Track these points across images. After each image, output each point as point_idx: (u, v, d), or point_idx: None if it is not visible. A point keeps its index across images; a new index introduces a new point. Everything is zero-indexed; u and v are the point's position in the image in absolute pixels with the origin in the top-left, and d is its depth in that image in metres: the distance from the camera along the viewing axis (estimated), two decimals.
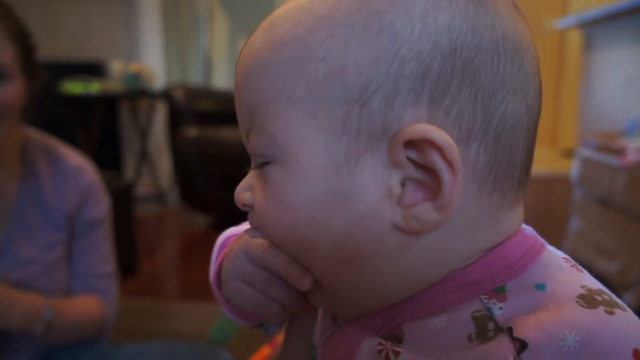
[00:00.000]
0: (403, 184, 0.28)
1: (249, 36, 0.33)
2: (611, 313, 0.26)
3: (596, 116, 2.89)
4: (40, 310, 0.83)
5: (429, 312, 0.29)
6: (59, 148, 0.96)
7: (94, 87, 3.08)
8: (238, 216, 0.38)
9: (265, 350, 0.42)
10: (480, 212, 0.29)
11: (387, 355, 0.29)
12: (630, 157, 1.74)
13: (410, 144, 0.27)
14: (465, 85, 0.27)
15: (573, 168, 2.20)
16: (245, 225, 0.43)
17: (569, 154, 3.89)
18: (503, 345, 0.26)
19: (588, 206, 2.07)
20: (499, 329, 0.27)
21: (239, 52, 0.34)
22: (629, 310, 0.27)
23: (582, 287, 0.27)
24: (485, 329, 0.27)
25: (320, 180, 0.28)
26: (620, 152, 1.82)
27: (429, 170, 0.27)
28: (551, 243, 0.32)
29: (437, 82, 0.27)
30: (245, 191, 0.33)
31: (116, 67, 3.29)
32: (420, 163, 0.27)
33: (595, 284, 0.28)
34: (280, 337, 0.40)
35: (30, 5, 3.09)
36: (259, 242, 0.34)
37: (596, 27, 2.88)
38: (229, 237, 0.43)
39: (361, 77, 0.27)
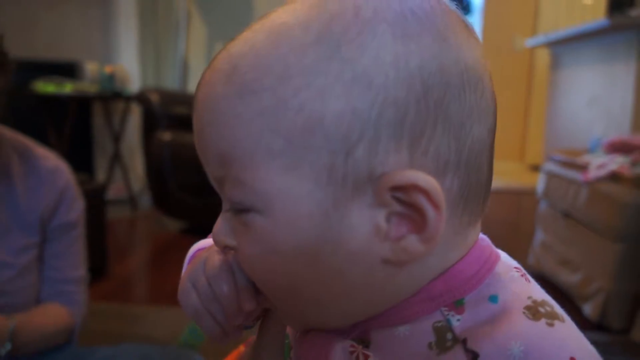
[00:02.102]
0: (387, 220, 0.29)
1: (204, 75, 0.32)
2: (551, 325, 0.29)
3: (562, 133, 2.99)
4: (4, 333, 0.80)
5: (394, 322, 0.32)
6: (33, 148, 0.94)
7: (67, 87, 3.04)
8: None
9: (240, 349, 0.44)
10: (452, 234, 0.31)
11: (357, 358, 0.32)
12: (593, 173, 1.81)
13: (397, 187, 0.28)
14: (439, 123, 0.29)
15: (539, 182, 2.27)
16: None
17: (536, 168, 4.00)
18: (457, 356, 0.29)
19: (552, 219, 2.14)
20: (455, 340, 0.30)
21: (197, 87, 0.32)
22: (568, 321, 0.30)
23: (529, 298, 0.30)
24: (444, 338, 0.30)
25: (309, 227, 0.29)
26: (583, 167, 1.89)
27: (412, 206, 0.29)
28: (517, 254, 0.35)
29: (415, 126, 0.28)
30: (225, 236, 0.33)
31: (90, 68, 3.25)
32: (404, 201, 0.29)
33: (540, 295, 0.31)
34: (253, 338, 0.42)
35: (6, 4, 3.04)
36: (216, 262, 0.35)
37: (563, 46, 2.98)
38: (198, 250, 0.43)
39: (342, 127, 0.28)
